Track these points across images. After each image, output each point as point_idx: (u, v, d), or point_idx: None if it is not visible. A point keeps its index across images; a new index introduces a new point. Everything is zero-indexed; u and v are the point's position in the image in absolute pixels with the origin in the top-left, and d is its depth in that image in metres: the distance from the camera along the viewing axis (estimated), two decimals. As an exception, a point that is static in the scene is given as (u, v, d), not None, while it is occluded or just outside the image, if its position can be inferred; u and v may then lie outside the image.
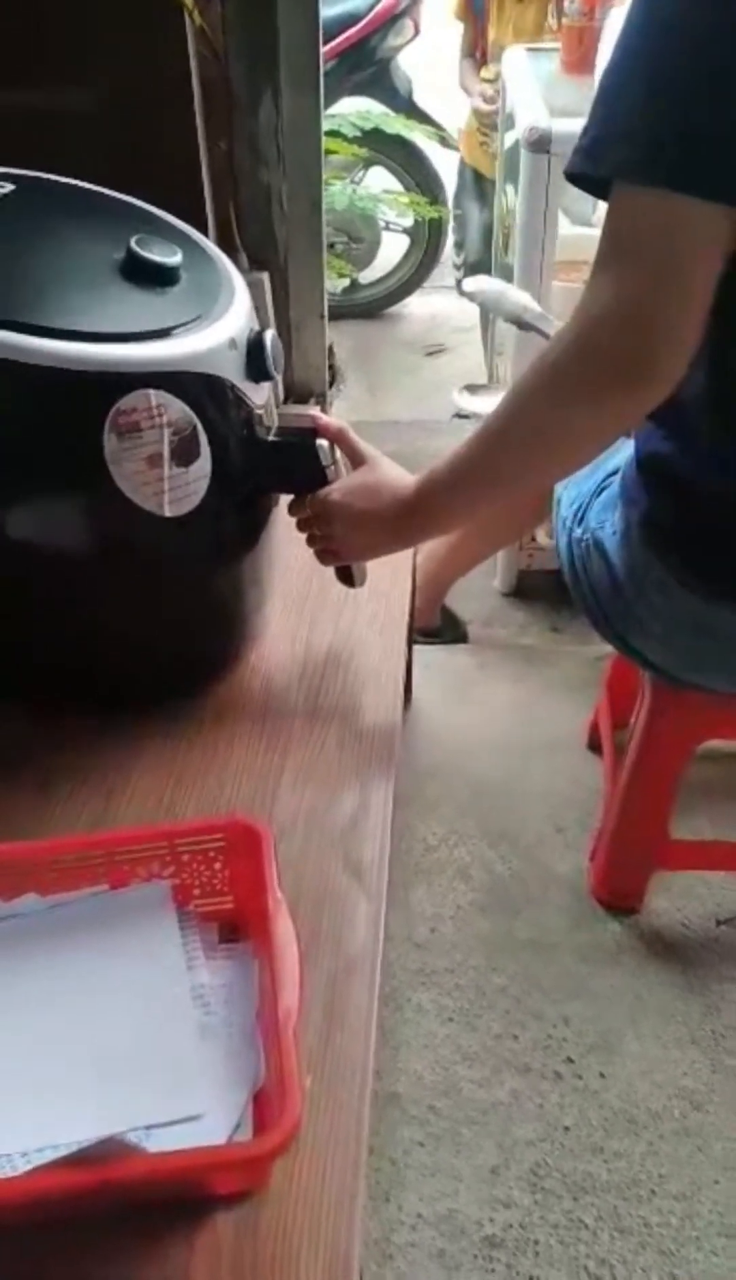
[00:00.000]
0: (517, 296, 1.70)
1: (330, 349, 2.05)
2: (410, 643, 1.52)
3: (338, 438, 1.05)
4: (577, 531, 1.23)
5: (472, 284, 1.78)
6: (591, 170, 0.81)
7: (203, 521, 0.94)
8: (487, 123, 2.64)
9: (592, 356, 0.84)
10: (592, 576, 1.21)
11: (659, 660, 1.22)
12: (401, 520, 1.03)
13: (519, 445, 0.94)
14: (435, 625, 1.95)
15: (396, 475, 1.05)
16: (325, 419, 1.06)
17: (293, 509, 1.09)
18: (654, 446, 1.07)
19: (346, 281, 3.38)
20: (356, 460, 1.06)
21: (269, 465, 1.02)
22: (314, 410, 1.04)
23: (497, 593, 2.14)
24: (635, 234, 0.80)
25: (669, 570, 1.09)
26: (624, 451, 1.16)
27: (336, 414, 2.59)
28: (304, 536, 1.10)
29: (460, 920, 1.51)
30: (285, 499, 1.09)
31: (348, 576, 1.16)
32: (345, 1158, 0.76)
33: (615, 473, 1.19)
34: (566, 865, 1.58)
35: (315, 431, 1.02)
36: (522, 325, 1.69)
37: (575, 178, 0.84)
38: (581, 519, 1.23)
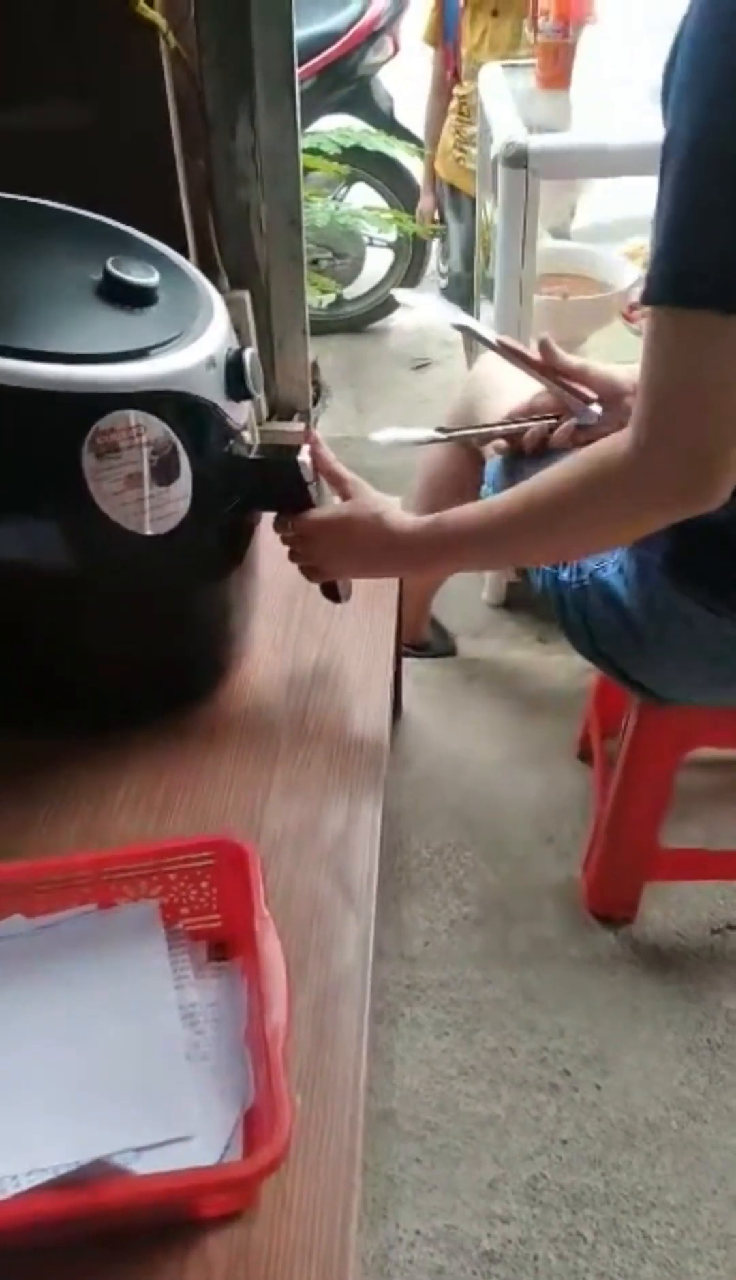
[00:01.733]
0: (445, 309, 1.71)
1: (314, 365, 2.06)
2: (398, 656, 1.52)
3: (319, 460, 1.06)
4: (566, 574, 1.21)
5: (403, 295, 1.80)
6: (681, 302, 0.80)
7: (184, 540, 0.94)
8: (464, 139, 2.65)
9: (651, 483, 0.86)
10: (593, 618, 1.19)
11: (661, 687, 1.22)
12: (399, 553, 1.05)
13: (552, 534, 0.97)
14: (423, 638, 1.95)
15: (387, 505, 1.06)
16: (315, 435, 1.07)
17: (277, 526, 1.09)
18: None
19: (331, 297, 3.39)
20: (337, 483, 1.07)
21: (250, 483, 1.02)
22: (299, 427, 1.06)
23: (486, 605, 2.14)
24: (707, 365, 0.80)
25: (698, 601, 1.09)
26: None
27: (322, 430, 2.60)
28: (287, 552, 1.10)
29: (453, 934, 1.51)
30: (269, 516, 1.09)
31: (333, 593, 1.16)
32: (337, 1176, 0.76)
33: None
34: (559, 876, 1.58)
35: (296, 449, 1.02)
36: (459, 328, 1.71)
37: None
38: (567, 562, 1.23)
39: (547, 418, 1.24)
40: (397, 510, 1.05)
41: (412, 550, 1.04)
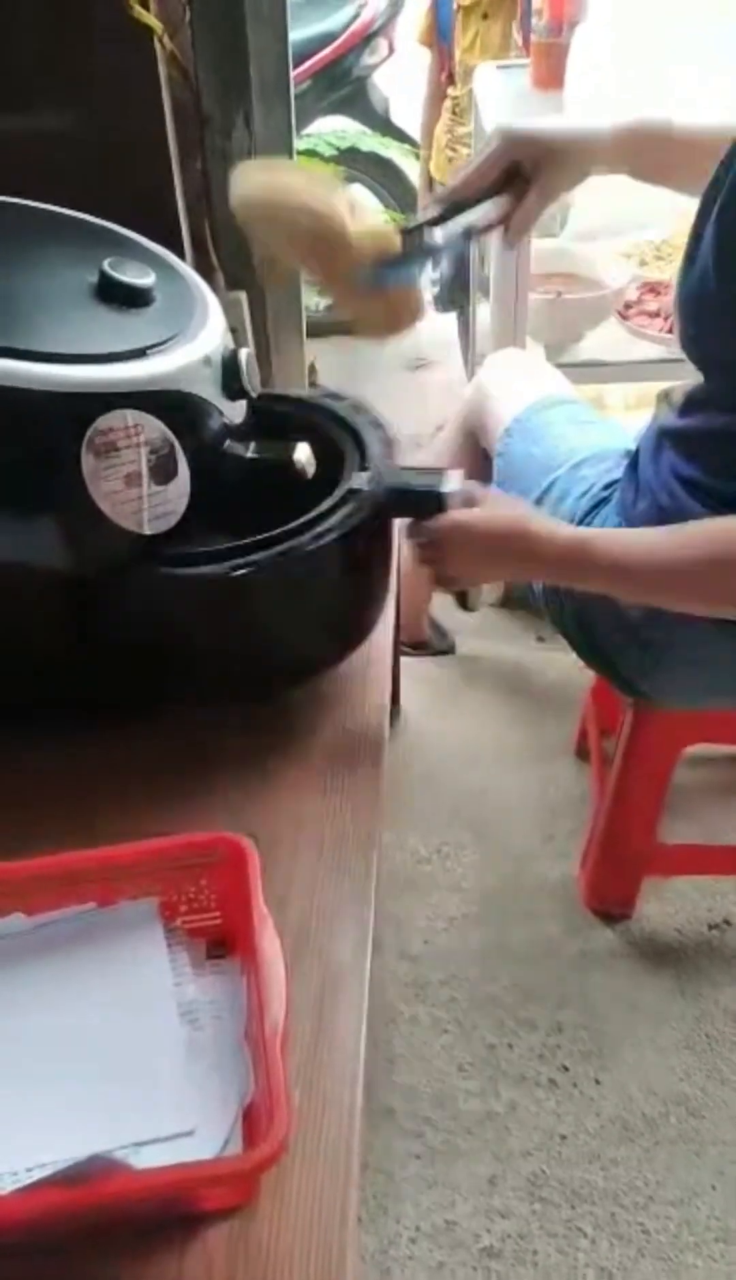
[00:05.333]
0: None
1: (311, 366, 2.07)
2: (397, 655, 1.52)
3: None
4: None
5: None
6: None
7: (182, 539, 0.94)
8: (457, 138, 2.66)
9: None
10: (596, 625, 1.20)
11: (661, 693, 1.23)
12: (538, 564, 1.03)
13: (711, 597, 0.97)
14: (422, 637, 1.96)
15: (529, 510, 1.07)
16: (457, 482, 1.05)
17: (410, 532, 1.06)
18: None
19: (328, 299, 3.40)
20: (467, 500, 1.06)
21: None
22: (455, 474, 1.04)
23: (484, 604, 2.15)
24: None
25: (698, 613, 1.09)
26: (607, 511, 1.18)
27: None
28: (414, 555, 1.08)
29: (452, 931, 1.51)
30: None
31: (464, 600, 1.16)
32: (337, 1171, 0.76)
33: (589, 525, 1.20)
34: (557, 873, 1.58)
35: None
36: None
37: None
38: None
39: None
40: (540, 518, 1.03)
41: (554, 565, 1.02)
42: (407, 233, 1.06)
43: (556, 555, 1.00)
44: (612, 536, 1.02)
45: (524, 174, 1.07)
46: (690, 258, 0.97)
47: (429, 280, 1.13)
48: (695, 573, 0.94)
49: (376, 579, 1.11)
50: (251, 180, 1.08)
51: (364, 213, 1.05)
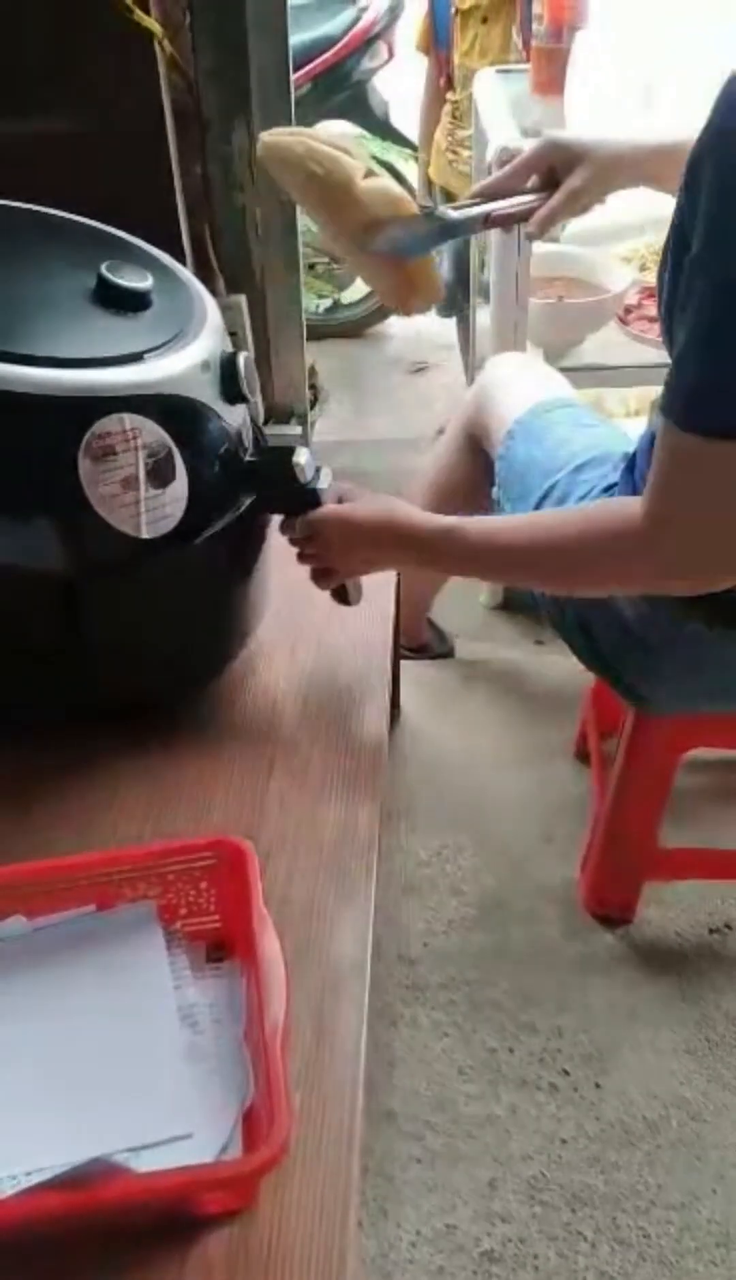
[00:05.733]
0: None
1: (311, 369, 2.07)
2: (397, 658, 1.52)
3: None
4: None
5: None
6: (702, 426, 0.80)
7: (181, 543, 0.95)
8: (456, 141, 2.66)
9: (667, 566, 0.90)
10: (597, 629, 1.20)
11: (661, 697, 1.23)
12: (411, 548, 1.05)
13: (572, 577, 1.00)
14: (422, 640, 1.96)
15: (393, 500, 1.07)
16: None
17: (284, 529, 1.09)
18: None
19: (328, 301, 3.40)
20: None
21: (248, 485, 1.02)
22: (296, 430, 1.06)
23: (483, 607, 2.15)
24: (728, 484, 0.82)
25: (698, 619, 1.09)
26: None
27: (320, 433, 2.61)
28: (295, 555, 1.10)
29: (452, 934, 1.51)
30: (275, 520, 1.09)
31: (343, 596, 1.16)
32: (337, 1175, 0.76)
33: None
34: (557, 877, 1.58)
35: (292, 450, 1.03)
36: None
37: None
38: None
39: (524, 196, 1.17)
40: (405, 505, 1.06)
41: (427, 548, 1.04)
42: (425, 208, 1.07)
43: (434, 540, 1.02)
44: (483, 523, 1.03)
45: (557, 179, 1.09)
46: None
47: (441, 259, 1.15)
48: (563, 548, 0.95)
49: (252, 578, 1.12)
50: (279, 129, 1.11)
51: (379, 175, 1.07)
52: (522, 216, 1.13)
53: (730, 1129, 1.30)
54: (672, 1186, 1.25)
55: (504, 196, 1.13)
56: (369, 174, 1.06)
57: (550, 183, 1.12)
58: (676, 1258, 1.19)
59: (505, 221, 1.14)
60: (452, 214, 1.10)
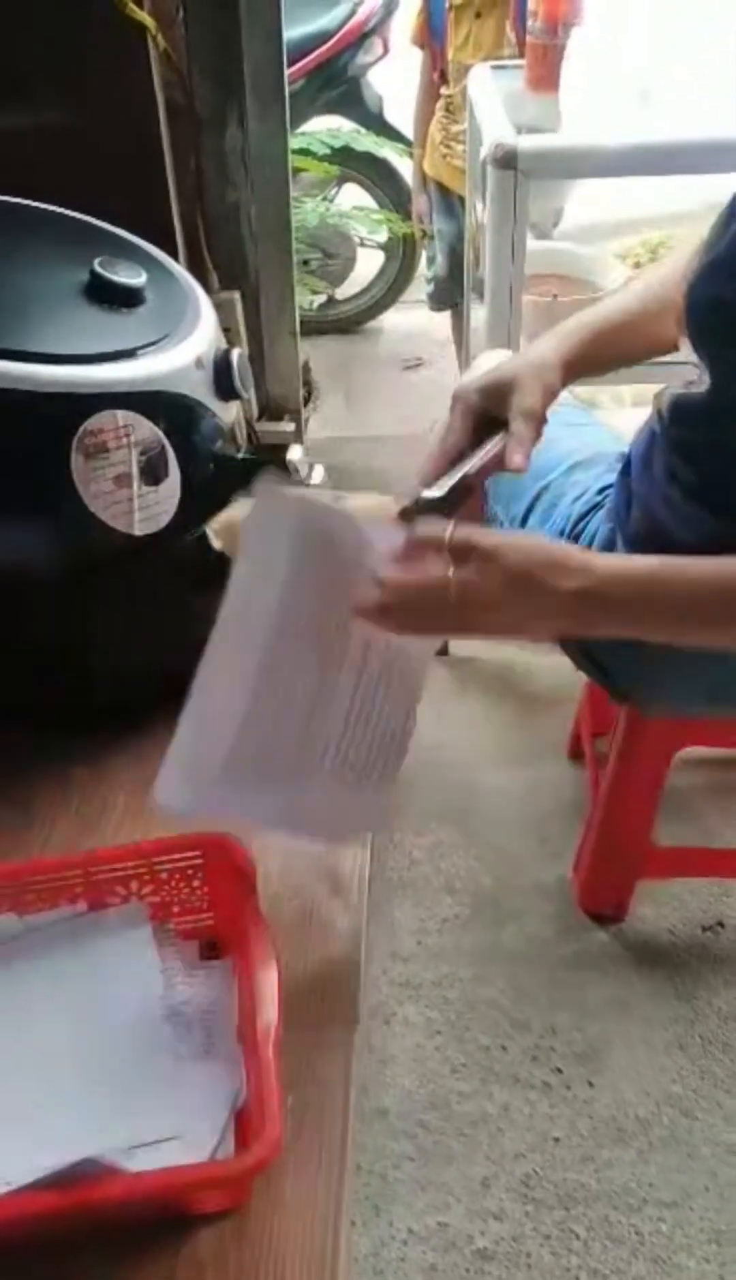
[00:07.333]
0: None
1: (305, 365, 2.07)
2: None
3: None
4: None
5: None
6: None
7: (174, 540, 0.94)
8: (450, 135, 2.66)
9: None
10: (593, 639, 1.19)
11: (657, 700, 1.23)
12: (578, 609, 0.84)
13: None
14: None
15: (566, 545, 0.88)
16: None
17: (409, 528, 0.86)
18: (688, 537, 1.05)
19: (322, 298, 3.39)
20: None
21: (240, 484, 1.02)
22: (290, 427, 1.00)
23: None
24: None
25: None
26: (599, 518, 1.17)
27: (314, 430, 2.60)
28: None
29: (446, 933, 1.51)
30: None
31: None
32: (329, 1173, 0.76)
33: (582, 532, 1.19)
34: (551, 875, 1.58)
35: (285, 448, 1.02)
36: None
37: None
38: None
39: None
40: (573, 547, 0.86)
41: (601, 605, 0.84)
42: (404, 509, 0.91)
43: (609, 591, 0.83)
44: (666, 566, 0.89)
45: (497, 417, 0.99)
46: (714, 255, 0.92)
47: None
48: None
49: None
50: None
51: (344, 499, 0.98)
52: (497, 462, 1.02)
53: (722, 1126, 1.30)
54: (664, 1184, 1.25)
55: (461, 458, 0.98)
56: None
57: (497, 424, 0.99)
58: (668, 1254, 1.19)
59: (484, 476, 1.03)
60: (431, 494, 0.92)
